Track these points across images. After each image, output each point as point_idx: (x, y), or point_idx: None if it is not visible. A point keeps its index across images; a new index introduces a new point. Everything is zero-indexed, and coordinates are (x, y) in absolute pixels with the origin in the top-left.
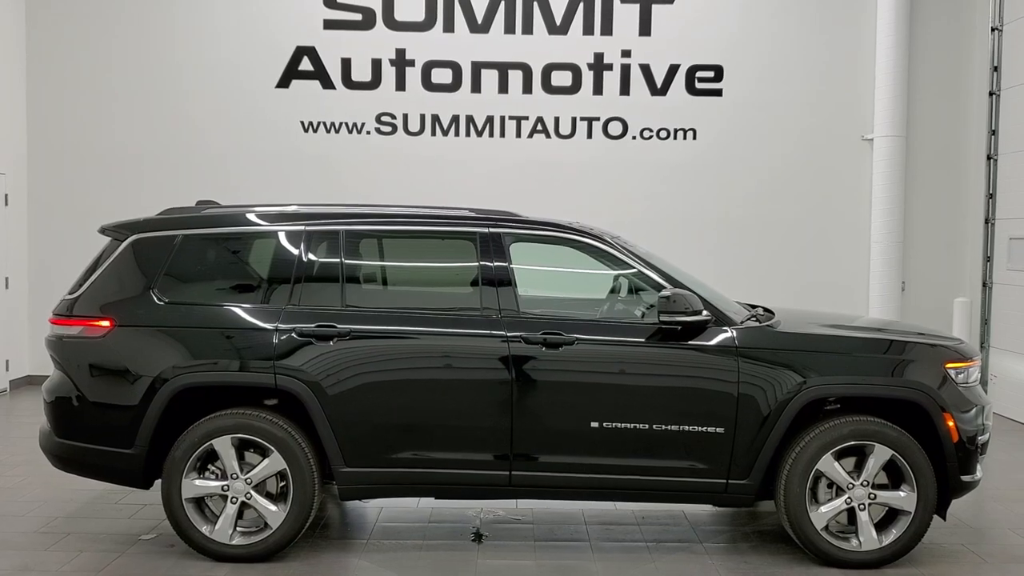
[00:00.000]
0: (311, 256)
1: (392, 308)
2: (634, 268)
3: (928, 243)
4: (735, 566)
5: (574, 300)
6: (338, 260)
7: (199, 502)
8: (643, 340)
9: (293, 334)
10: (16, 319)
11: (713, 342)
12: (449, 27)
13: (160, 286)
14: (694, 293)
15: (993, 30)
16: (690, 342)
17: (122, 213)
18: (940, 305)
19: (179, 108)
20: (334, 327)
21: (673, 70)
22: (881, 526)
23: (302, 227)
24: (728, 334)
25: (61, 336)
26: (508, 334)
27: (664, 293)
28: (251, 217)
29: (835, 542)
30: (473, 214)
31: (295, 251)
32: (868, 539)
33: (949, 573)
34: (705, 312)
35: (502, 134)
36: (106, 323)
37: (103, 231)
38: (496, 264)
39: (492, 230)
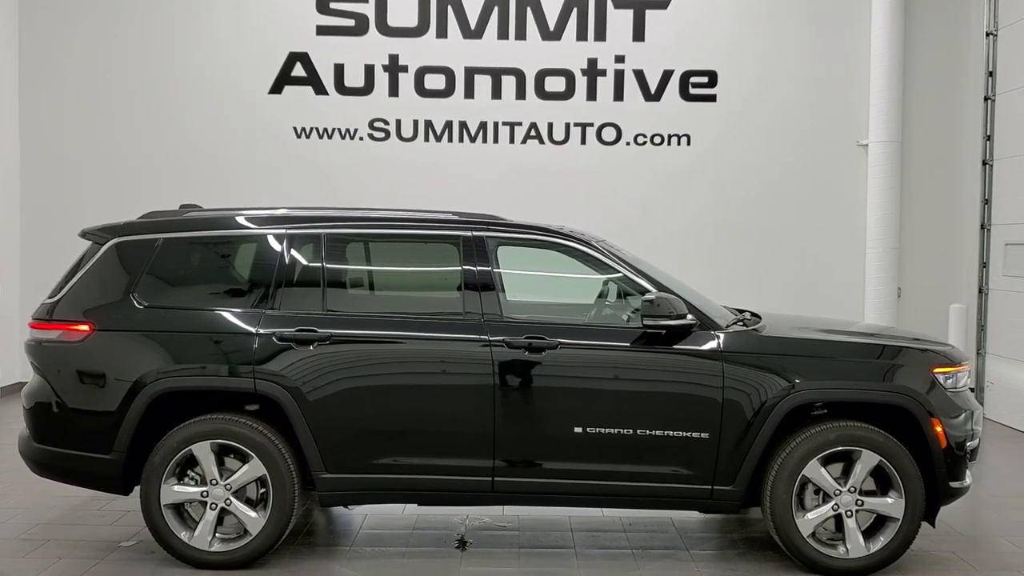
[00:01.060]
0: (292, 260)
1: (374, 312)
2: (619, 272)
3: (924, 249)
4: (721, 574)
5: (560, 305)
6: (319, 264)
7: (178, 508)
8: (627, 344)
9: (273, 339)
10: (7, 325)
11: (698, 346)
12: (442, 33)
13: (140, 290)
14: (679, 297)
15: (988, 35)
16: (675, 346)
17: (114, 219)
18: (936, 311)
19: (172, 114)
20: (314, 331)
21: (667, 76)
22: (869, 533)
23: (283, 231)
24: (713, 338)
25: (40, 340)
26: (491, 339)
27: (648, 297)
28: (232, 221)
29: (822, 549)
30: (456, 217)
31: (276, 255)
32: (856, 546)
33: None
34: (690, 316)
35: (495, 140)
36: (85, 327)
37: (84, 235)
38: (479, 268)
39: (475, 234)
